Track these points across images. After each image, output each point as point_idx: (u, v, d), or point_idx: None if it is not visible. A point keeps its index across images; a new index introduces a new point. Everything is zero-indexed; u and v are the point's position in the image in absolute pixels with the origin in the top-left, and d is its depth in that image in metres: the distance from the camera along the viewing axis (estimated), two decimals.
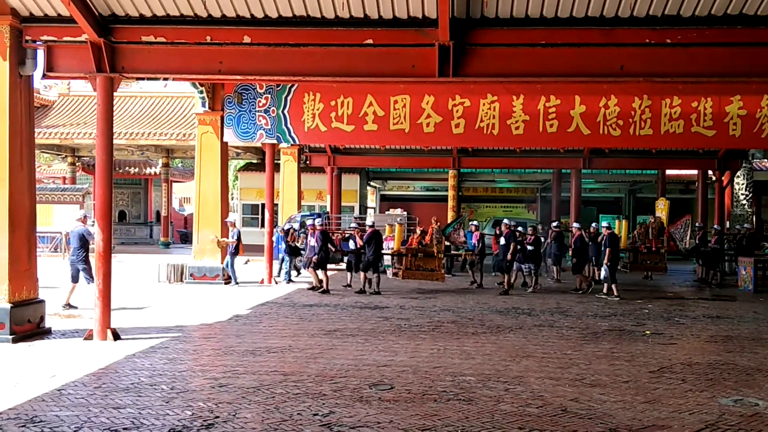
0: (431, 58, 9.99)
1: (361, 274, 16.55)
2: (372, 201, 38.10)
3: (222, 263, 17.53)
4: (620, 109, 15.56)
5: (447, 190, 28.07)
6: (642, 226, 21.50)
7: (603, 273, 16.56)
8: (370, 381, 7.84)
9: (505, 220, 18.27)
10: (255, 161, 32.44)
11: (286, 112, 16.99)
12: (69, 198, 27.08)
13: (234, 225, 18.09)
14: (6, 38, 10.00)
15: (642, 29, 9.85)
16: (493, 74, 10.39)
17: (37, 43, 10.36)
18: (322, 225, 17.21)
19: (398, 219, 21.96)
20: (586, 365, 8.96)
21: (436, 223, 18.31)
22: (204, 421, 6.31)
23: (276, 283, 18.26)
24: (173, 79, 13.04)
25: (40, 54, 10.48)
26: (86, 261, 13.20)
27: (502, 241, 17.25)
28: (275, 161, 23.19)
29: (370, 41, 10.06)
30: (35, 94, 30.20)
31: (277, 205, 24.58)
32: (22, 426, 6.03)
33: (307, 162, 26.72)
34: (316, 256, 16.41)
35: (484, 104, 15.61)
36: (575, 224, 18.35)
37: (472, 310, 13.81)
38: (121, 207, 35.36)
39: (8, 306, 9.73)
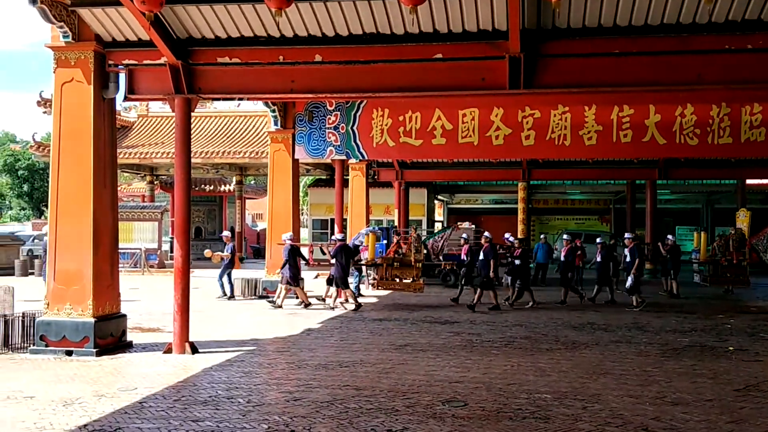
0: (502, 70, 9.92)
1: (332, 288, 16.22)
2: (439, 215, 37.98)
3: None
4: (697, 117, 15.10)
5: (516, 203, 27.73)
6: (722, 237, 20.66)
7: (629, 283, 16.04)
8: (443, 397, 7.77)
9: (486, 234, 17.06)
10: (324, 177, 32.86)
11: (355, 128, 17.19)
12: (148, 215, 28.02)
13: (229, 239, 18.42)
14: (90, 63, 10.47)
15: (721, 35, 9.52)
16: (565, 85, 10.25)
17: (119, 67, 10.81)
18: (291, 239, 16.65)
19: (465, 233, 21.83)
20: (667, 383, 8.65)
21: (415, 231, 18.00)
22: None
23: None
24: (247, 99, 13.39)
25: (122, 77, 10.93)
26: None
27: (482, 256, 16.00)
28: (344, 177, 23.42)
29: (439, 55, 10.07)
30: (117, 116, 31.57)
31: (345, 220, 24.80)
32: None
33: (375, 177, 26.89)
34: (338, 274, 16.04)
35: (555, 115, 15.41)
36: (627, 235, 17.54)
37: (546, 325, 13.54)
38: (197, 223, 36.34)
39: (92, 320, 10.11)
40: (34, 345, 10.27)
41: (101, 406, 7.29)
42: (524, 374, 9.07)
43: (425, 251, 18.23)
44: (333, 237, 16.87)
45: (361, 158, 18.40)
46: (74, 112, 10.46)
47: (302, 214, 48.92)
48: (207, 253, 18.03)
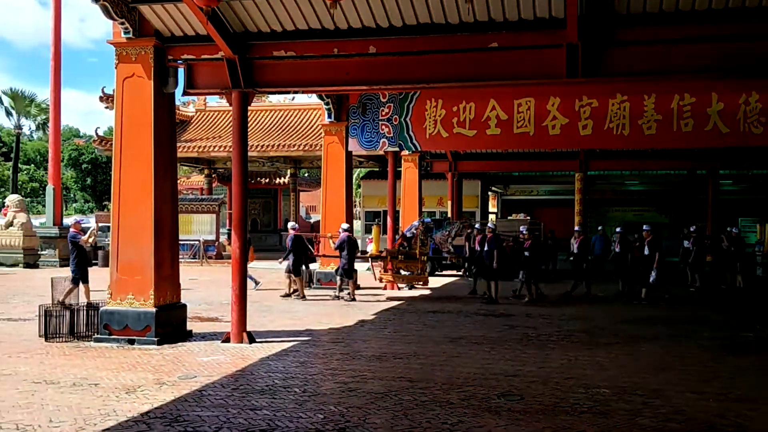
0: (559, 59, 9.73)
1: (338, 279, 16.29)
2: (493, 206, 37.62)
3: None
4: (762, 105, 14.56)
5: (573, 194, 27.26)
6: None
7: (653, 277, 15.69)
8: (498, 391, 7.71)
9: (489, 224, 16.69)
10: (377, 169, 32.91)
11: (408, 119, 17.16)
12: (206, 208, 28.57)
13: (296, 230, 18.49)
14: (150, 59, 10.69)
15: None
16: (625, 73, 9.97)
17: (178, 62, 11.01)
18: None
19: (522, 225, 21.57)
20: (731, 378, 8.39)
21: (422, 224, 17.69)
22: (336, 425, 6.43)
23: (399, 289, 18.38)
24: (302, 92, 13.45)
25: (180, 72, 11.13)
26: None
27: (486, 247, 15.70)
28: (396, 169, 23.39)
29: (495, 45, 9.94)
30: (176, 110, 32.24)
31: (398, 212, 24.80)
32: (168, 425, 6.39)
33: (428, 168, 26.80)
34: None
35: (613, 104, 15.08)
36: (645, 227, 16.72)
37: (604, 319, 13.30)
38: (253, 216, 36.91)
39: (154, 310, 10.37)
40: (98, 334, 10.59)
41: (162, 394, 7.48)
42: (582, 368, 8.92)
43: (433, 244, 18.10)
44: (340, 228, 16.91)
45: (413, 150, 18.34)
46: (135, 106, 10.71)
47: (355, 206, 49.16)
48: (224, 241, 18.48)
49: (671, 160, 24.13)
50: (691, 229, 18.53)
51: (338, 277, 16.27)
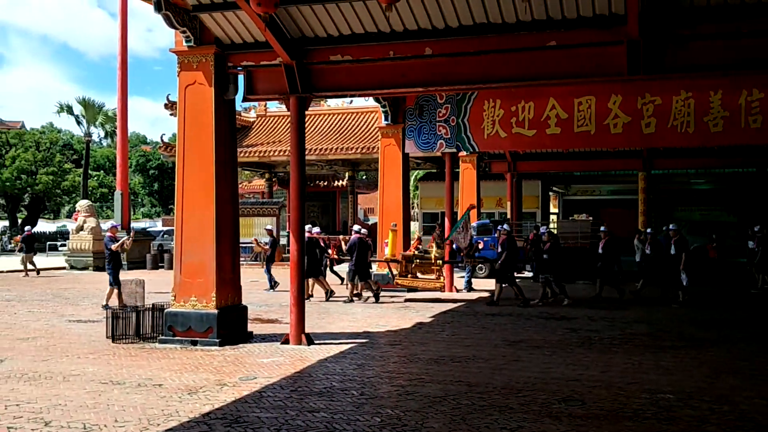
0: (619, 56, 9.49)
1: (349, 284, 16.33)
2: (554, 207, 37.04)
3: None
4: None
5: (637, 194, 26.58)
6: None
7: (684, 280, 15.41)
8: (559, 396, 7.56)
9: (503, 226, 16.43)
10: (434, 171, 32.81)
11: (465, 120, 17.05)
12: (266, 211, 29.03)
13: (271, 233, 18.53)
14: (211, 66, 10.92)
15: None
16: (689, 69, 9.63)
17: (238, 68, 11.21)
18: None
19: (582, 225, 21.16)
20: None
21: (438, 228, 17.29)
22: (393, 428, 6.42)
23: (457, 290, 18.29)
24: (358, 95, 13.53)
25: (240, 78, 11.33)
26: None
27: (500, 248, 15.60)
28: (454, 170, 23.30)
29: (553, 43, 9.77)
30: (237, 116, 32.90)
31: (456, 213, 24.67)
32: (228, 426, 6.50)
33: (487, 169, 26.58)
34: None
35: (677, 101, 14.65)
36: (671, 226, 16.34)
37: (669, 321, 12.92)
38: (312, 218, 37.29)
39: (215, 311, 10.58)
40: (162, 335, 10.86)
41: (223, 395, 7.61)
42: (645, 373, 8.68)
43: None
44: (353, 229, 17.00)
45: (471, 150, 18.22)
46: (197, 113, 10.96)
47: (413, 207, 49.09)
48: (256, 243, 19.01)
49: (739, 158, 23.27)
50: (756, 230, 17.88)
51: (348, 280, 16.46)
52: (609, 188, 36.20)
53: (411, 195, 44.07)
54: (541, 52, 9.96)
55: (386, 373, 8.77)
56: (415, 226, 32.01)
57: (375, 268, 18.47)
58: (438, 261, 16.80)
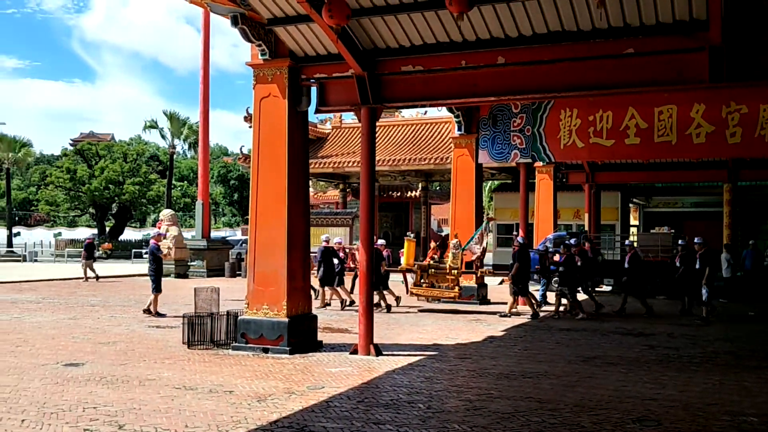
0: (701, 62, 9.10)
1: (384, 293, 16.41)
2: (635, 219, 35.89)
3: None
4: None
5: (722, 206, 25.45)
6: None
7: (704, 295, 14.71)
8: (633, 415, 7.26)
9: (518, 238, 16.29)
10: (509, 181, 32.39)
11: (541, 130, 16.78)
12: (340, 221, 29.32)
13: (327, 242, 18.40)
14: (285, 78, 11.11)
15: None
16: None
17: (311, 80, 11.36)
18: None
19: (661, 238, 20.51)
20: None
21: (455, 238, 17.04)
22: None
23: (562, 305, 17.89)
24: (430, 106, 13.51)
25: (312, 90, 11.47)
26: None
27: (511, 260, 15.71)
28: (530, 180, 22.93)
29: (631, 50, 9.47)
30: (313, 128, 33.45)
31: (531, 224, 24.24)
32: None
33: (564, 180, 26.02)
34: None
35: (765, 110, 13.96)
36: (697, 239, 15.52)
37: (754, 339, 12.26)
38: (385, 229, 37.41)
39: (286, 320, 10.70)
40: (235, 341, 11.06)
41: (291, 403, 7.66)
42: (727, 393, 8.24)
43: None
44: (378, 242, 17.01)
45: (547, 161, 17.90)
46: (271, 125, 11.15)
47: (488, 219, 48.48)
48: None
49: None
50: (697, 242, 17.08)
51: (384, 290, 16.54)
52: (692, 200, 34.80)
53: (485, 206, 43.56)
54: (619, 59, 9.68)
55: (454, 387, 8.64)
56: (489, 238, 31.62)
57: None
58: (453, 271, 16.72)
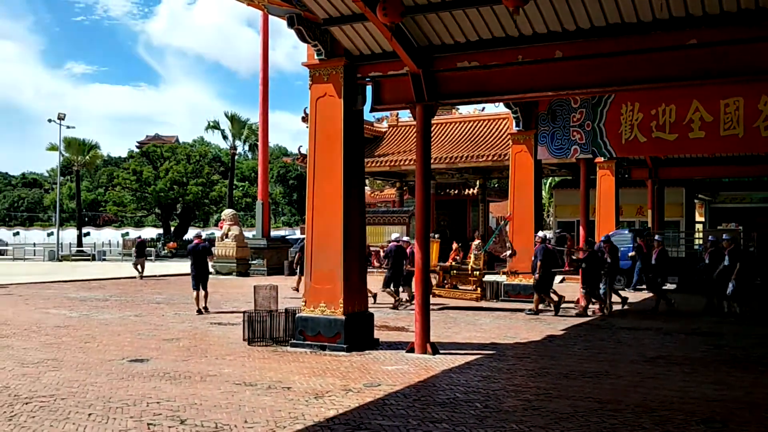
0: None
1: (385, 290, 16.44)
2: (700, 215, 34.80)
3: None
4: None
5: None
6: None
7: (729, 289, 14.65)
8: (698, 417, 7.03)
9: (539, 233, 15.99)
10: (569, 178, 31.85)
11: (601, 125, 16.42)
12: (397, 219, 29.36)
13: (398, 242, 18.27)
14: (341, 78, 11.17)
15: None
16: None
17: (366, 79, 11.40)
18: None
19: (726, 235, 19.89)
20: None
21: (478, 238, 16.91)
22: None
23: (591, 303, 17.54)
24: (485, 101, 13.40)
25: (367, 88, 11.51)
26: None
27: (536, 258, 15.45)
28: (590, 176, 22.48)
29: (693, 41, 9.17)
30: (370, 126, 33.59)
31: (592, 222, 23.75)
32: None
33: (626, 175, 25.42)
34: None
35: None
36: (725, 236, 15.42)
37: None
38: (442, 227, 37.25)
39: (343, 318, 10.77)
40: (293, 339, 11.20)
41: (347, 401, 7.71)
42: None
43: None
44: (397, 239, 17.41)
45: (608, 156, 17.52)
46: (327, 124, 11.23)
47: (548, 216, 47.80)
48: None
49: None
50: (725, 238, 16.40)
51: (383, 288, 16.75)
52: (762, 195, 33.56)
53: (544, 203, 43.04)
54: (681, 51, 9.39)
55: (512, 387, 8.54)
56: (549, 235, 31.16)
57: (505, 279, 18.11)
58: (475, 272, 16.59)
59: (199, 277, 15.80)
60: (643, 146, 16.16)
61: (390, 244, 17.09)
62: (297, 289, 19.74)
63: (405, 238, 17.51)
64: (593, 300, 15.57)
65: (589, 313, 15.39)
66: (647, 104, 15.48)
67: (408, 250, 16.64)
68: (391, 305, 16.49)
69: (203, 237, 16.87)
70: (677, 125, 15.36)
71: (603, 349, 11.11)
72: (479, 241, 17.36)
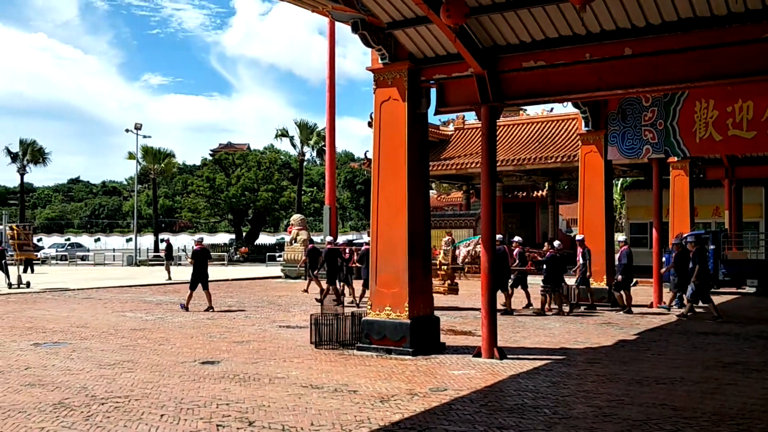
0: None
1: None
2: None
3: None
4: None
5: None
6: None
7: (689, 291, 15.12)
8: None
9: (516, 238, 17.49)
10: (641, 179, 30.97)
11: (674, 123, 15.93)
12: (463, 222, 29.16)
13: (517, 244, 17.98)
14: (405, 81, 11.17)
15: None
16: None
17: (431, 82, 11.36)
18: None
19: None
20: None
21: (449, 235, 17.33)
22: None
23: (660, 305, 17.02)
24: (551, 101, 13.16)
25: (432, 91, 11.47)
26: None
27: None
28: (663, 177, 21.83)
29: None
30: (436, 130, 33.51)
31: (666, 223, 23.01)
32: None
33: (701, 175, 24.53)
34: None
35: None
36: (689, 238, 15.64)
37: None
38: (510, 230, 36.81)
39: (408, 321, 10.74)
40: (359, 342, 11.24)
41: (413, 405, 7.67)
42: None
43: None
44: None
45: (681, 156, 16.97)
46: (391, 128, 11.25)
47: (620, 218, 46.60)
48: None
49: None
50: (690, 240, 15.68)
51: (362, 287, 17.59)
52: None
53: (616, 204, 41.87)
54: (759, 44, 8.99)
55: (582, 393, 8.33)
56: (621, 238, 30.36)
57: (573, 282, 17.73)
58: (443, 267, 16.89)
59: (199, 279, 17.20)
60: (718, 145, 15.61)
61: (363, 248, 18.60)
62: (306, 291, 21.96)
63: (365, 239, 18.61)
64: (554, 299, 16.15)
65: (548, 313, 15.95)
66: (723, 101, 14.94)
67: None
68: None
69: (203, 243, 18.71)
70: (755, 122, 14.79)
71: (678, 354, 10.73)
72: (449, 237, 17.52)
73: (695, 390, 8.28)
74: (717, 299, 18.46)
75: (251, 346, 11.82)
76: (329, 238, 20.97)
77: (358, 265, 19.64)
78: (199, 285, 17.18)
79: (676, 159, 20.37)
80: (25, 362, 10.32)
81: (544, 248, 18.03)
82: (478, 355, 10.51)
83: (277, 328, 14.14)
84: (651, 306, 16.96)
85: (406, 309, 10.77)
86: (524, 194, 35.76)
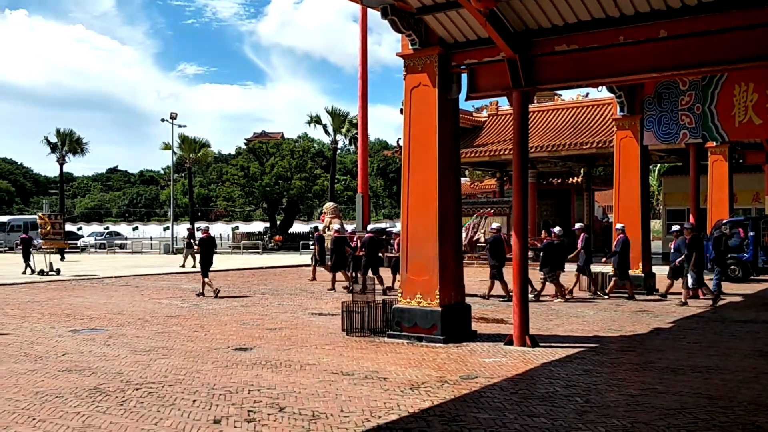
0: None
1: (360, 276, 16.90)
2: None
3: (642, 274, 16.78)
4: None
5: None
6: None
7: (689, 279, 15.03)
8: None
9: (494, 224, 17.79)
10: (679, 164, 30.37)
11: (713, 107, 15.57)
12: (497, 210, 28.90)
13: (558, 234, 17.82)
14: (435, 67, 11.07)
15: None
16: None
17: (461, 67, 11.25)
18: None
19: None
20: None
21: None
22: None
23: (703, 294, 16.66)
24: (585, 86, 12.92)
25: (462, 77, 11.35)
26: None
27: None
28: (701, 162, 21.41)
29: None
30: (468, 116, 33.26)
31: (704, 209, 22.57)
32: (445, 424, 6.49)
33: (740, 160, 24.00)
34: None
35: None
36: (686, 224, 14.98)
37: None
38: (545, 217, 36.44)
39: (439, 309, 10.70)
40: (390, 330, 11.24)
41: (443, 392, 7.65)
42: None
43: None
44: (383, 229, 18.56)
45: (720, 140, 16.56)
46: (421, 114, 11.17)
47: (657, 204, 45.79)
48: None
49: None
50: (686, 227, 15.26)
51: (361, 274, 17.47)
52: None
53: (653, 191, 41.21)
54: None
55: (615, 381, 8.21)
56: (658, 225, 29.89)
57: (610, 270, 17.50)
58: None
59: (207, 265, 17.88)
60: (759, 129, 15.19)
61: (366, 235, 18.97)
62: (314, 279, 22.44)
63: (349, 228, 18.99)
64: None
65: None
66: (763, 83, 14.53)
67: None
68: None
69: (209, 231, 19.33)
70: None
71: (714, 342, 10.52)
72: None
73: (732, 379, 8.11)
74: (757, 286, 18.10)
75: (283, 333, 11.91)
76: (336, 226, 21.65)
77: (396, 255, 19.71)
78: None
79: (714, 144, 19.96)
80: (63, 348, 10.54)
81: (542, 235, 18.00)
82: (509, 342, 10.44)
83: (309, 315, 14.22)
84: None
85: (437, 297, 10.72)
86: (559, 181, 35.33)
